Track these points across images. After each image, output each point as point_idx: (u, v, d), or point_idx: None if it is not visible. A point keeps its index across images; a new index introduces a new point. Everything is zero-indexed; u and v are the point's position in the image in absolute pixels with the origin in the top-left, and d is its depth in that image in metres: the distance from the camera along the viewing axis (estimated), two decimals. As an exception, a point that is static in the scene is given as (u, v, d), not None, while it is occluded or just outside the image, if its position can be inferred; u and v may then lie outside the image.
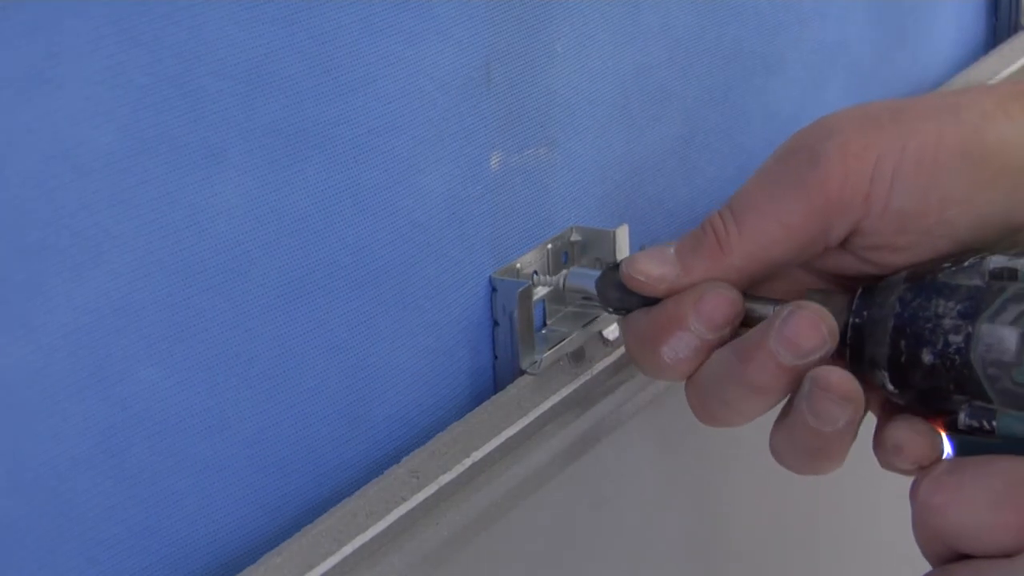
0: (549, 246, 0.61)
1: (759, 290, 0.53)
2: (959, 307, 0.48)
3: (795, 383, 0.49)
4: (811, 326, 0.49)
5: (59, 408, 0.43)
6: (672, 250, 0.53)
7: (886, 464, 0.50)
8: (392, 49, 0.52)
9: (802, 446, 0.50)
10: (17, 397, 0.42)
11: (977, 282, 0.49)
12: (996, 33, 1.01)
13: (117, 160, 0.43)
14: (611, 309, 0.55)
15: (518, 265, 0.60)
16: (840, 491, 0.78)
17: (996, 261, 0.49)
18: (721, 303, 0.51)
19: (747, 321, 0.52)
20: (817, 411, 0.48)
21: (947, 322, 0.49)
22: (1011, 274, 0.48)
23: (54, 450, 0.43)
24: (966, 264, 0.49)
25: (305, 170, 0.50)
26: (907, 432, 0.49)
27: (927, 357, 0.49)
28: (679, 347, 0.52)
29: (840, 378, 0.48)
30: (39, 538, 0.43)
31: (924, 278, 0.50)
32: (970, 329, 0.48)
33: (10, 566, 0.43)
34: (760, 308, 0.52)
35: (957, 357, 0.48)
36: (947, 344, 0.48)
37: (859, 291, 0.51)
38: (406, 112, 0.53)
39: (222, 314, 0.48)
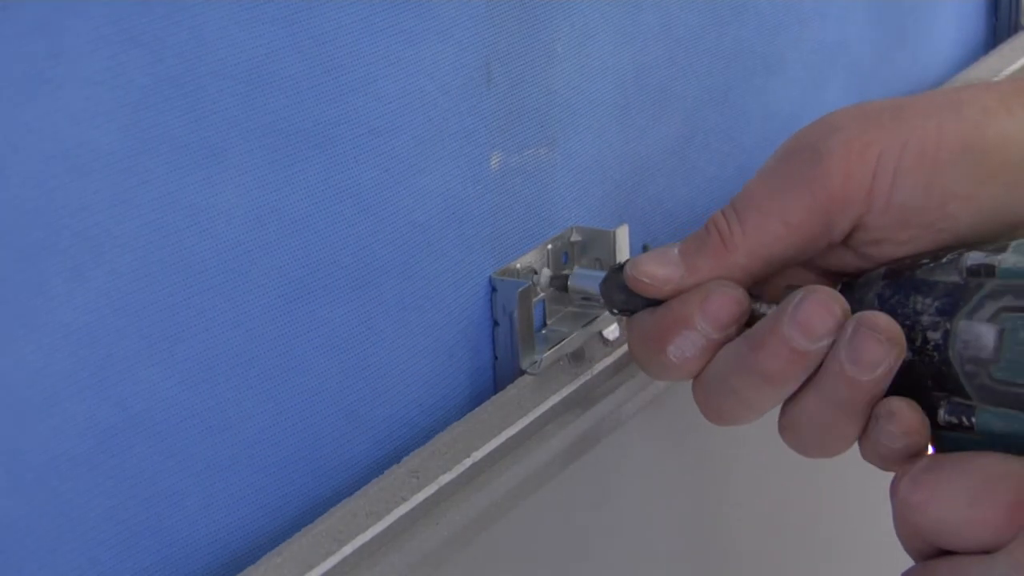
0: (549, 246, 0.61)
1: (760, 289, 0.53)
2: (937, 304, 0.48)
3: (806, 371, 0.49)
4: (824, 308, 0.49)
5: (59, 408, 0.43)
6: (676, 251, 0.53)
7: (873, 447, 0.49)
8: (392, 49, 0.52)
9: (831, 401, 0.49)
10: (17, 397, 0.42)
11: (955, 278, 0.49)
12: (996, 33, 1.01)
13: (118, 160, 0.43)
14: (615, 311, 0.55)
15: (518, 265, 0.60)
16: (839, 490, 0.78)
17: (974, 257, 0.49)
18: (727, 302, 0.51)
19: (748, 321, 0.52)
20: (859, 354, 0.48)
21: (925, 319, 0.49)
22: (988, 270, 0.48)
23: (54, 450, 0.43)
24: (944, 260, 0.49)
25: (305, 170, 0.50)
26: (900, 402, 0.48)
27: (905, 354, 0.49)
28: (685, 347, 0.52)
29: (887, 321, 0.48)
30: (39, 538, 0.43)
31: (903, 274, 0.50)
32: (948, 326, 0.48)
33: (10, 566, 0.43)
34: (762, 307, 0.52)
35: (935, 354, 0.48)
36: (925, 341, 0.48)
37: (839, 287, 0.51)
38: (406, 112, 0.53)
39: (222, 314, 0.48)
